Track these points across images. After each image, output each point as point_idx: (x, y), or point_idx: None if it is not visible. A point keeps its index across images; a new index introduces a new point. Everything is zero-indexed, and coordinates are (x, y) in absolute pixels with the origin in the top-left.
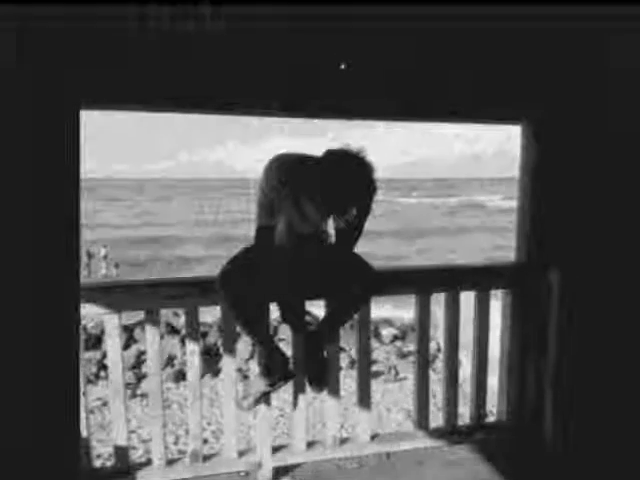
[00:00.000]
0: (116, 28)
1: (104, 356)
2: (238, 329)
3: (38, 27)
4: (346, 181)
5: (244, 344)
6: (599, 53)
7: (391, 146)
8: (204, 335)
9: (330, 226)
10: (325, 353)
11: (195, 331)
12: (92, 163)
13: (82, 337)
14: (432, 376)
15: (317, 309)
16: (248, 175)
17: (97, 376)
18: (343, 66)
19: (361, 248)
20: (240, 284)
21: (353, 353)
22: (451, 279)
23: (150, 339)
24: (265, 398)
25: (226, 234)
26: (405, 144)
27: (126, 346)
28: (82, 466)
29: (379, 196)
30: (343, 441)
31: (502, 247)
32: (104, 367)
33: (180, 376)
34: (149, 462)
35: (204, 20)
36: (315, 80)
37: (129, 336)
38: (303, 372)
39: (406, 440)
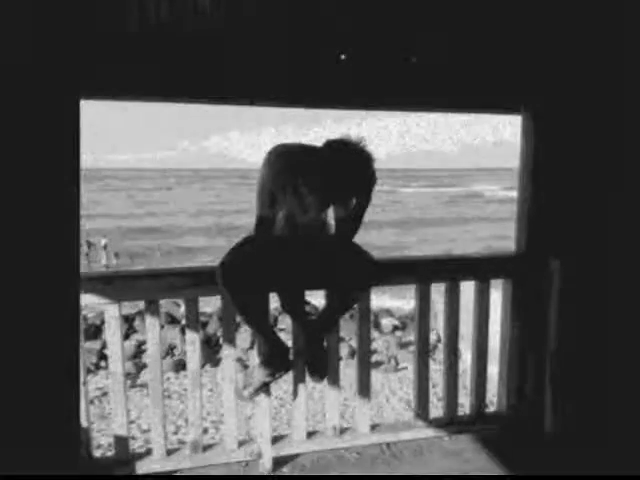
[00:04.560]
0: (116, 19)
1: (104, 346)
2: (238, 319)
3: (37, 17)
4: (346, 171)
5: (244, 334)
6: (601, 42)
7: (391, 135)
8: (204, 325)
9: (330, 216)
10: (325, 343)
11: (195, 321)
12: (92, 153)
13: (82, 327)
14: (432, 366)
15: (317, 299)
16: (249, 165)
17: (97, 366)
18: (343, 56)
19: (361, 238)
20: (240, 274)
21: (353, 343)
22: (451, 269)
23: (150, 329)
24: (265, 388)
25: (227, 224)
26: (406, 133)
27: (126, 336)
28: (82, 456)
29: (379, 186)
30: (343, 431)
31: (502, 237)
32: (104, 357)
33: (180, 366)
34: (149, 452)
35: (204, 13)
36: (311, 71)
37: (129, 326)
38: (303, 362)
39: (406, 430)
